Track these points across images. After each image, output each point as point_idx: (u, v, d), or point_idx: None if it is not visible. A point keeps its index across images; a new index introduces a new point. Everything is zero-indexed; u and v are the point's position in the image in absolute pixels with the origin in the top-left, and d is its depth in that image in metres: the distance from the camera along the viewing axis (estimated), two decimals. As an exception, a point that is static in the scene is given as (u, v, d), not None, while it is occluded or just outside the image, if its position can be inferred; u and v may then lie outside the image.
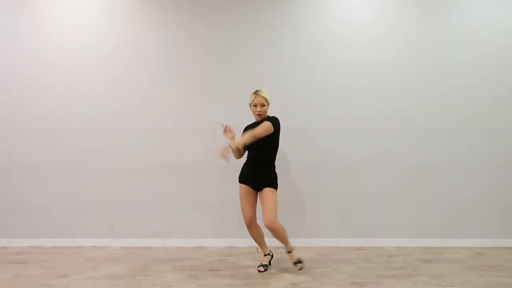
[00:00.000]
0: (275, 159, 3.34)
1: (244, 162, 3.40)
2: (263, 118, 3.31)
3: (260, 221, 3.32)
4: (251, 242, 4.05)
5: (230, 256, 3.77)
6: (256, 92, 3.29)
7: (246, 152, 3.38)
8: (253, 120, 4.06)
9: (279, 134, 3.29)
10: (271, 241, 3.41)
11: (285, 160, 4.06)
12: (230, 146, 3.17)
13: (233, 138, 3.36)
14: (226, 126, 3.37)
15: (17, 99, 4.07)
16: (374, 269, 3.41)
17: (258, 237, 3.42)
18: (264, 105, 3.28)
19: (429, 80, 4.06)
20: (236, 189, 4.09)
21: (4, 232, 4.09)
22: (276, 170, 4.01)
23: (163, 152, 3.93)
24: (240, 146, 3.19)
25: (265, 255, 3.46)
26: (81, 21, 4.06)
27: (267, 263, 3.43)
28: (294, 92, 4.07)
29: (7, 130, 4.08)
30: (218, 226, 4.11)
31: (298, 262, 3.32)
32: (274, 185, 3.28)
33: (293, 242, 4.02)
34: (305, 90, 4.08)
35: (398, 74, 4.07)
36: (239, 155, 3.37)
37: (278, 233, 3.22)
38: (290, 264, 3.54)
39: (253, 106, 3.30)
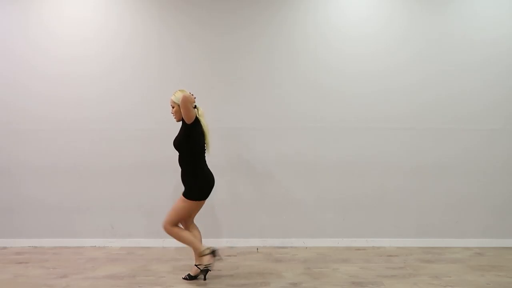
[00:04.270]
0: (194, 164, 3.12)
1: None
2: (180, 120, 3.11)
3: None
4: (251, 242, 4.07)
5: (230, 256, 3.77)
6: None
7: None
8: (250, 119, 4.10)
9: (194, 135, 3.06)
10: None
11: (285, 160, 4.06)
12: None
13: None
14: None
15: (17, 99, 4.06)
16: (374, 269, 3.41)
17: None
18: (173, 107, 3.10)
19: (429, 81, 4.06)
20: (235, 189, 4.12)
21: (4, 232, 4.09)
22: (277, 168, 4.05)
23: (163, 152, 3.93)
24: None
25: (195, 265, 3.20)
26: (81, 20, 4.05)
27: (194, 275, 3.20)
28: (294, 94, 4.07)
29: (7, 130, 4.07)
30: (218, 226, 4.11)
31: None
32: (187, 195, 3.10)
33: (293, 242, 4.08)
34: (305, 91, 4.07)
35: (398, 75, 4.06)
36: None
37: (174, 238, 3.14)
38: (289, 265, 3.55)
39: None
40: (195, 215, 3.29)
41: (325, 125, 4.08)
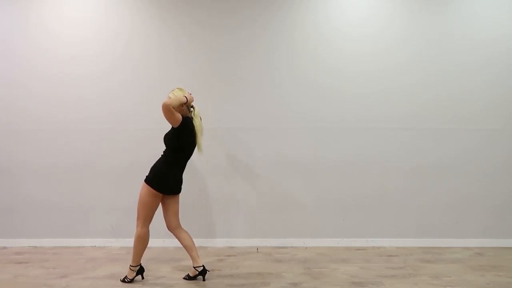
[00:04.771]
0: (173, 160, 3.09)
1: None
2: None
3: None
4: (251, 242, 4.07)
5: (230, 256, 3.77)
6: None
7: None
8: (250, 119, 4.09)
9: (187, 134, 3.05)
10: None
11: (285, 160, 4.06)
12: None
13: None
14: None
15: (17, 99, 4.06)
16: (374, 269, 3.41)
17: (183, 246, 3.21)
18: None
19: (429, 81, 4.06)
20: (235, 189, 4.11)
21: (4, 232, 4.09)
22: (277, 168, 4.05)
23: (162, 152, 3.93)
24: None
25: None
26: (81, 20, 4.05)
27: (193, 275, 3.19)
28: (294, 94, 4.07)
29: (7, 130, 4.07)
30: (218, 226, 4.11)
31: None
32: (148, 179, 3.05)
33: (293, 242, 4.08)
34: (305, 91, 4.07)
35: (398, 75, 4.06)
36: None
37: (135, 239, 3.09)
38: (289, 265, 3.55)
39: None
40: (175, 216, 3.21)
41: (325, 125, 4.08)
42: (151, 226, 4.07)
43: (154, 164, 3.13)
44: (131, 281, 3.13)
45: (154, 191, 3.04)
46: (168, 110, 2.90)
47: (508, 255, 3.82)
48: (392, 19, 4.05)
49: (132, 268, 3.14)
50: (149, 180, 3.06)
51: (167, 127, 3.20)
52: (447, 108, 4.06)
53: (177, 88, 3.12)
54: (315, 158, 4.08)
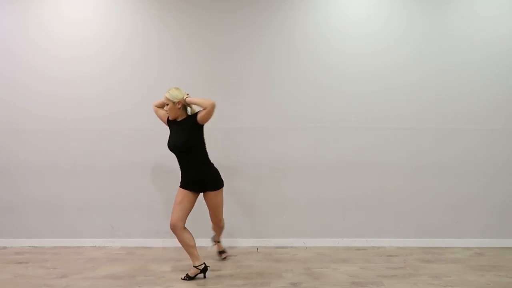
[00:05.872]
0: (207, 157, 3.30)
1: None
2: (175, 117, 3.22)
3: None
4: (251, 242, 4.07)
5: (230, 256, 3.77)
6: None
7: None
8: (250, 119, 4.10)
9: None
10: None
11: (285, 160, 4.06)
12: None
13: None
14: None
15: (17, 99, 4.06)
16: (374, 269, 3.41)
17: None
18: (167, 104, 3.16)
19: (429, 81, 4.05)
20: (235, 189, 4.11)
21: (4, 232, 4.09)
22: (277, 168, 4.07)
23: (163, 152, 3.93)
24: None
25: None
26: (81, 20, 4.05)
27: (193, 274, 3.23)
28: (294, 94, 4.07)
29: (7, 130, 4.07)
30: (218, 226, 4.11)
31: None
32: (218, 185, 3.30)
33: (293, 242, 4.08)
34: (305, 91, 4.07)
35: (398, 75, 4.06)
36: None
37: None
38: (289, 265, 3.55)
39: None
40: (188, 214, 3.29)
41: (325, 125, 4.07)
42: (151, 226, 4.09)
43: (206, 173, 3.24)
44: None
45: (222, 188, 3.33)
46: (214, 108, 3.13)
47: (508, 255, 3.82)
48: (392, 19, 4.05)
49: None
50: (220, 184, 3.29)
51: (167, 128, 3.22)
52: (447, 108, 4.06)
53: (173, 88, 3.17)
54: (315, 158, 4.08)
